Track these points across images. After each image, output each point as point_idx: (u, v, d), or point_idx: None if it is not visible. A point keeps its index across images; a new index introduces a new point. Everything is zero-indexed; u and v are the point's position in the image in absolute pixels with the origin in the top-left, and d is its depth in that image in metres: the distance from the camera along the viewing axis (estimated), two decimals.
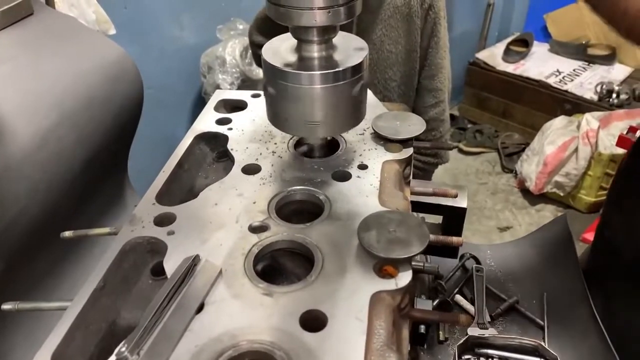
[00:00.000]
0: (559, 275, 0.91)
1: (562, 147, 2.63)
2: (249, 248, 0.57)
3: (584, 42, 3.27)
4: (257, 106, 0.85)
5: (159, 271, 0.59)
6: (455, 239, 0.63)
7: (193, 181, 0.75)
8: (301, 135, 0.70)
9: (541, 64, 3.21)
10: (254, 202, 0.63)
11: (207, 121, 0.82)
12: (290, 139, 0.76)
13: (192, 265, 0.54)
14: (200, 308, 0.50)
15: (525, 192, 2.90)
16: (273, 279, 0.55)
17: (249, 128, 0.79)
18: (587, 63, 3.19)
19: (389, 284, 0.52)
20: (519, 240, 1.06)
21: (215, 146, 0.79)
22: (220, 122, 0.81)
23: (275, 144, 0.76)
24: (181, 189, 0.72)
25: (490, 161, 3.21)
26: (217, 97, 0.88)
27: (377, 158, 0.71)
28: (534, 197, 2.84)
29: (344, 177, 0.68)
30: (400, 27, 1.37)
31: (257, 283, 0.53)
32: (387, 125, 0.75)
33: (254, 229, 0.59)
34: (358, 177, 0.67)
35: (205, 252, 0.56)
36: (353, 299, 0.50)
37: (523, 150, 3.01)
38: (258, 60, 1.57)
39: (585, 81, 3.03)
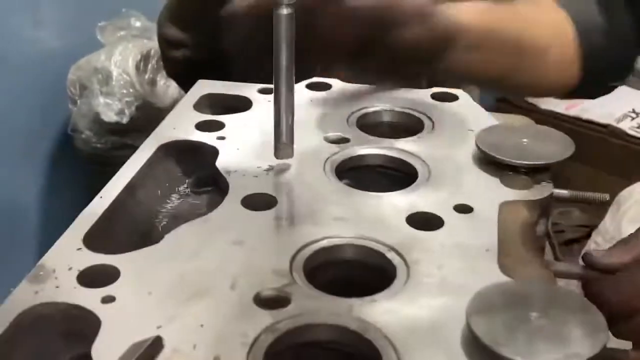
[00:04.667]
0: None
1: None
2: (255, 334, 0.50)
3: None
4: (266, 105, 0.82)
5: None
6: None
7: (151, 220, 0.72)
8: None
9: (609, 101, 3.16)
10: (265, 257, 0.59)
11: (181, 124, 0.80)
12: (328, 158, 0.74)
13: (147, 357, 0.48)
14: None
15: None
16: None
17: (255, 139, 0.78)
18: None
19: None
20: None
21: (194, 167, 0.77)
22: (205, 127, 0.80)
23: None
24: (130, 230, 0.68)
25: None
26: (199, 90, 0.88)
27: (488, 195, 0.67)
28: None
29: (430, 222, 0.64)
30: None
31: None
32: (505, 144, 0.71)
33: (264, 302, 0.54)
34: (456, 224, 0.63)
35: (173, 336, 0.50)
36: None
37: (589, 236, 2.93)
38: (172, 69, 1.54)
39: None
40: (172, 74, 1.61)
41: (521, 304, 0.50)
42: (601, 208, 2.87)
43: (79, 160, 2.17)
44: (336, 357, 0.53)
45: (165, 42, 1.49)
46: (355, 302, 0.53)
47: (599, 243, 2.73)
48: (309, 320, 0.52)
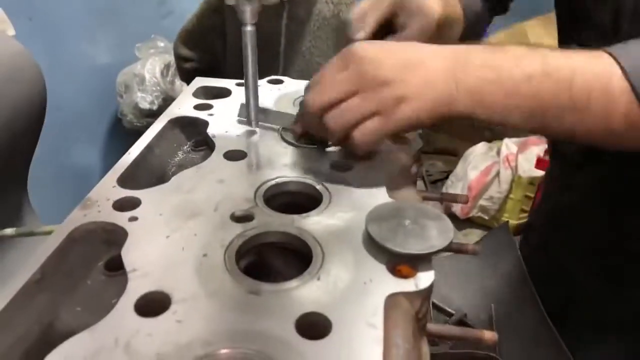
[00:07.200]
0: (505, 283, 0.89)
1: (485, 172, 2.65)
2: (230, 239, 0.48)
3: None
4: (241, 93, 0.77)
5: (115, 265, 0.48)
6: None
7: (164, 169, 0.67)
8: None
9: None
10: (238, 190, 0.56)
11: (184, 106, 0.75)
12: (281, 128, 0.69)
13: None
14: None
15: (451, 217, 2.85)
16: (260, 279, 0.45)
17: (233, 115, 0.72)
18: None
19: (408, 285, 0.43)
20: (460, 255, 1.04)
21: (193, 133, 0.72)
22: (200, 107, 0.74)
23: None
24: (150, 175, 0.63)
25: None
26: (196, 84, 0.82)
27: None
28: (460, 222, 2.79)
29: (345, 166, 0.61)
30: (329, 39, 1.34)
31: (241, 279, 0.43)
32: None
33: (237, 219, 0.51)
34: (361, 169, 0.60)
35: (175, 243, 0.47)
36: (363, 302, 0.41)
37: (447, 177, 3.00)
38: (184, 75, 1.52)
39: None
40: (184, 79, 1.57)
41: (400, 215, 0.49)
42: (455, 162, 2.91)
43: (125, 135, 2.09)
44: (283, 253, 0.51)
45: (179, 58, 1.45)
46: (295, 217, 0.51)
47: (453, 181, 2.78)
48: (266, 229, 0.50)
